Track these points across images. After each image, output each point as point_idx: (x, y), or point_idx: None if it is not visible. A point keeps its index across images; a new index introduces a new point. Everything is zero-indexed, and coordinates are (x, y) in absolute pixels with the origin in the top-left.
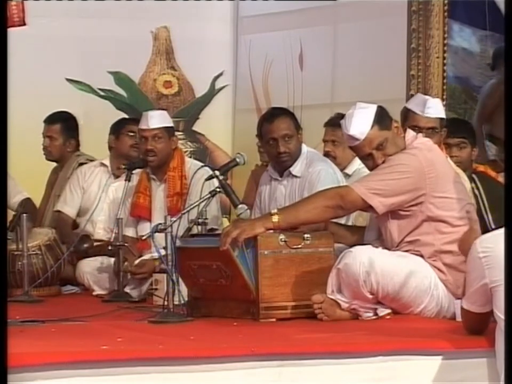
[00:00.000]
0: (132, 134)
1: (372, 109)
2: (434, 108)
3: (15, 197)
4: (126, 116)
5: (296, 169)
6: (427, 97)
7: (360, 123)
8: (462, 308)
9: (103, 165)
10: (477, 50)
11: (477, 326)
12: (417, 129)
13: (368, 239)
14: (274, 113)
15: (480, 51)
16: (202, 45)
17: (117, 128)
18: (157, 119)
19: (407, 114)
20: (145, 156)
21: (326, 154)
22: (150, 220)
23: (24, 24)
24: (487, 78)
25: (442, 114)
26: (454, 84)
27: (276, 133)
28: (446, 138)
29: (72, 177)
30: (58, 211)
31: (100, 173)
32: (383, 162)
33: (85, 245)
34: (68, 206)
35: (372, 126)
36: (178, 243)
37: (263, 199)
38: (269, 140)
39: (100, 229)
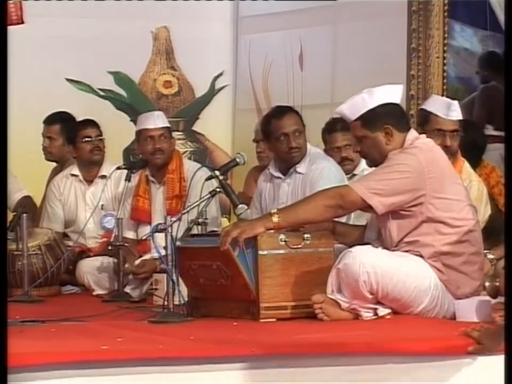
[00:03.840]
0: (88, 139)
1: (372, 102)
2: (458, 111)
3: (14, 194)
4: (124, 117)
5: (301, 166)
6: (449, 100)
7: (351, 107)
8: None
9: (73, 175)
10: (478, 51)
11: None
12: (441, 132)
13: (368, 238)
14: (282, 110)
15: (482, 51)
16: (202, 45)
17: (72, 137)
18: (161, 119)
19: (427, 117)
20: (151, 156)
21: (344, 159)
22: (150, 223)
23: (22, 23)
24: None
25: (461, 116)
26: (457, 85)
27: (286, 128)
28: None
29: (48, 192)
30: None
31: (73, 183)
32: (357, 151)
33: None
34: (53, 222)
35: (357, 119)
36: (178, 243)
37: (263, 199)
38: (280, 136)
39: (90, 238)
